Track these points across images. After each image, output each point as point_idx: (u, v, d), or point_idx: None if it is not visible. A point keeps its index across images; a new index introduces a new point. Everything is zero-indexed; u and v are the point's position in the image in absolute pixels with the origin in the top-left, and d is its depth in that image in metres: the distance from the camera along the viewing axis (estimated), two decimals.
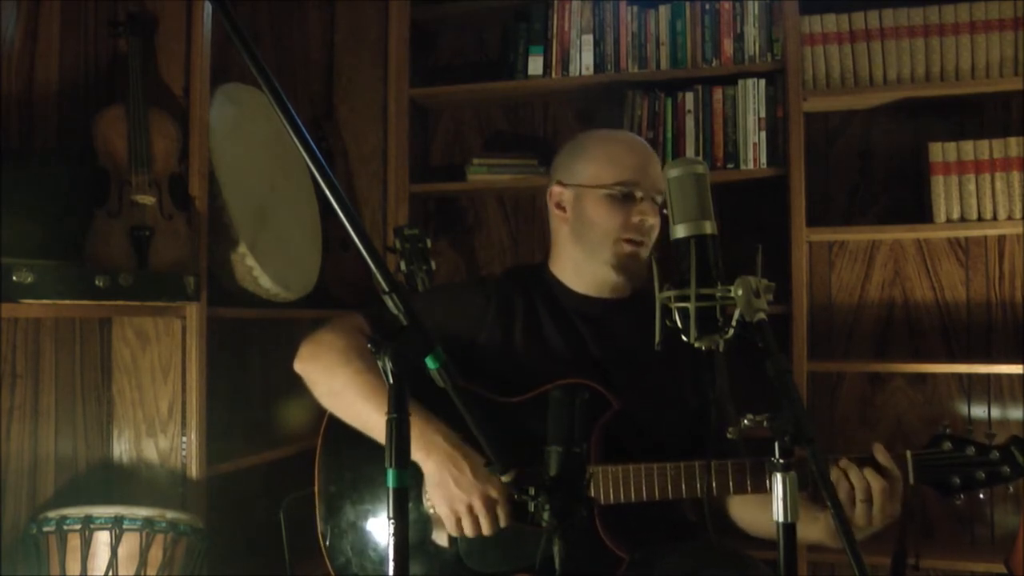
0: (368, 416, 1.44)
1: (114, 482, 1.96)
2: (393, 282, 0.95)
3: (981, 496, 1.36)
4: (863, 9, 2.45)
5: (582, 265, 1.60)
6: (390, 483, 0.91)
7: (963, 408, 2.52)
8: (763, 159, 2.47)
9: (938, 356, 2.54)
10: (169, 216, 1.86)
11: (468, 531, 1.38)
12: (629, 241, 1.54)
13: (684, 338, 1.07)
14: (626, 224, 1.53)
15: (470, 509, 1.36)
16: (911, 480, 1.35)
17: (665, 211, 1.15)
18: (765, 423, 0.98)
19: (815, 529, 1.40)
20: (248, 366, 2.47)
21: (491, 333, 1.57)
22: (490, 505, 1.36)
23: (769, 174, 2.46)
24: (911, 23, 2.42)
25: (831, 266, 2.66)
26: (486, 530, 1.37)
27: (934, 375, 2.53)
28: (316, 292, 2.41)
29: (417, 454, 1.39)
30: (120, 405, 1.98)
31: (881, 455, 1.33)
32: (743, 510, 1.57)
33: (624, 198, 1.54)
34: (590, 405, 1.09)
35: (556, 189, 1.62)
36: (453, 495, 1.37)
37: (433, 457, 1.39)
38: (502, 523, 1.37)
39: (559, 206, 1.62)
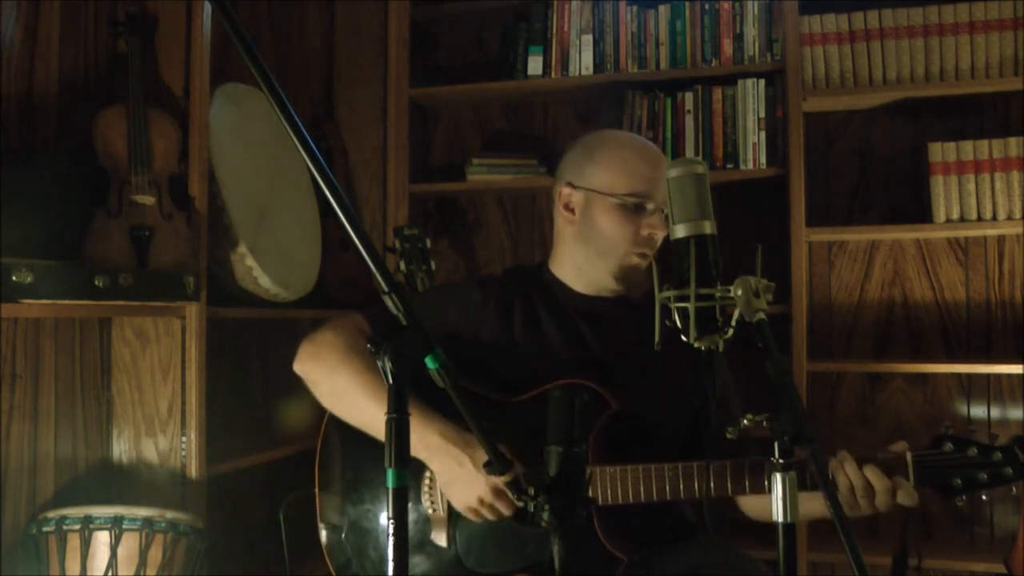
0: (372, 415, 1.44)
1: (113, 482, 1.96)
2: (393, 282, 0.95)
3: (984, 497, 1.35)
4: (863, 9, 2.45)
5: (584, 268, 1.60)
6: (389, 483, 0.91)
7: (963, 408, 2.52)
8: (763, 159, 2.47)
9: (938, 356, 2.54)
10: (169, 216, 1.85)
11: (490, 517, 1.39)
12: (636, 254, 1.54)
13: (684, 338, 1.07)
14: (636, 238, 1.53)
15: (482, 500, 1.37)
16: (911, 482, 1.34)
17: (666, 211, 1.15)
18: (765, 423, 0.98)
19: (816, 505, 1.35)
20: (248, 366, 2.47)
21: (491, 332, 1.57)
22: (498, 493, 1.37)
23: (769, 174, 2.46)
24: (911, 23, 2.42)
25: (831, 266, 2.66)
26: (506, 512, 1.38)
27: (934, 375, 2.53)
28: (316, 292, 2.41)
29: (420, 455, 1.40)
30: (120, 405, 1.98)
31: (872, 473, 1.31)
32: (749, 498, 1.54)
33: (635, 209, 1.53)
34: (590, 405, 1.09)
35: (565, 190, 1.60)
36: (463, 490, 1.38)
37: (436, 457, 1.40)
38: (518, 503, 1.38)
39: (567, 207, 1.60)
